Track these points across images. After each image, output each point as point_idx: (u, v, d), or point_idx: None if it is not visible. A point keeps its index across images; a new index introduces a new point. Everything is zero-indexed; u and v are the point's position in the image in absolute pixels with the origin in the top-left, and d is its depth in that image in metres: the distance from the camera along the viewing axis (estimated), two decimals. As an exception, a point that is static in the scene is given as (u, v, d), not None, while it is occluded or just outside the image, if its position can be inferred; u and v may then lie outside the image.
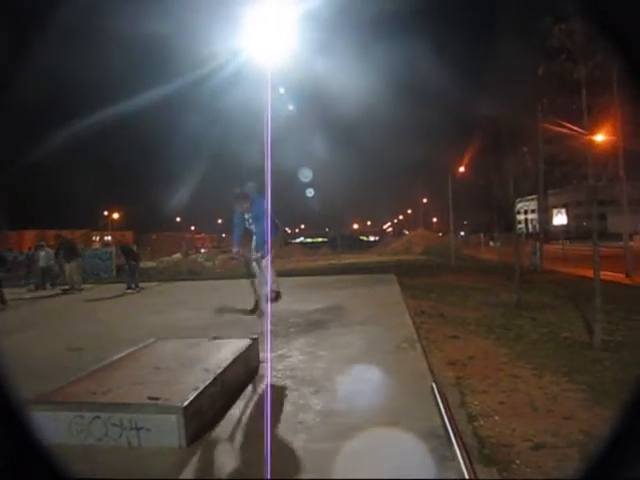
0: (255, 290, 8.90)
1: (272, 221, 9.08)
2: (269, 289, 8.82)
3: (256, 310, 9.12)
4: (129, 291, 19.01)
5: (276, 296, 9.19)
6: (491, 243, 36.52)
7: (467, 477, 3.65)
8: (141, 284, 19.87)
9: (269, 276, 8.60)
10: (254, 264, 9.05)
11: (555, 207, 42.03)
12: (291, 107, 25.19)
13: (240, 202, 9.24)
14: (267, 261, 8.52)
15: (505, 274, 16.66)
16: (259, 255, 9.04)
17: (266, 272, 8.57)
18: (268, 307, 9.27)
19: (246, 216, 9.16)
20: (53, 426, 4.88)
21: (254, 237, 9.08)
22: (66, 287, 20.09)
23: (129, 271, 19.81)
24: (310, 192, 26.99)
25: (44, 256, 21.29)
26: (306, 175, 26.37)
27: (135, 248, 22.22)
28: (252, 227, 9.02)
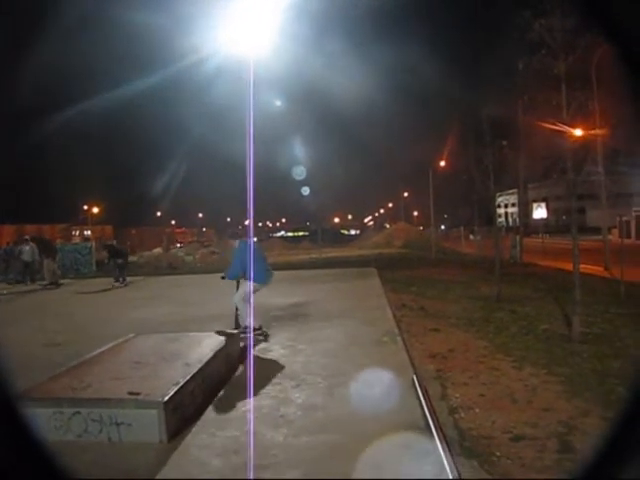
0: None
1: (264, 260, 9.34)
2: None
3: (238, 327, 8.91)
4: (117, 284, 19.02)
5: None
6: (471, 237, 36.71)
7: (448, 469, 3.66)
8: (128, 278, 19.84)
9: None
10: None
11: (535, 201, 42.24)
12: (279, 103, 25.13)
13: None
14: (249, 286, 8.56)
15: (485, 267, 16.79)
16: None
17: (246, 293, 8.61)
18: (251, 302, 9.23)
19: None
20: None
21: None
22: (45, 282, 19.93)
23: (117, 267, 19.85)
24: (305, 190, 26.92)
25: (28, 251, 21.00)
26: (298, 173, 26.34)
27: (115, 243, 22.14)
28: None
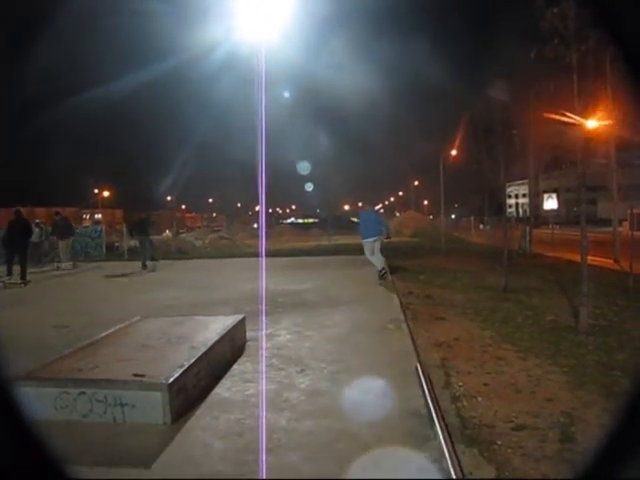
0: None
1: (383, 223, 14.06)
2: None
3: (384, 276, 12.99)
4: (146, 268, 18.49)
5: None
6: (481, 226, 36.60)
7: (447, 455, 3.69)
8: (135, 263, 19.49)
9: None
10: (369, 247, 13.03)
11: (546, 192, 41.94)
12: (287, 94, 25.10)
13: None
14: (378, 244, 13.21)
15: (494, 257, 16.71)
16: (373, 240, 13.04)
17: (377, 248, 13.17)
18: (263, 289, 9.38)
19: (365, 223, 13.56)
20: (38, 402, 4.89)
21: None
22: (59, 264, 19.94)
23: (147, 247, 19.25)
24: (309, 186, 26.88)
25: (37, 232, 21.07)
26: (303, 167, 26.26)
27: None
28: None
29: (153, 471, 3.85)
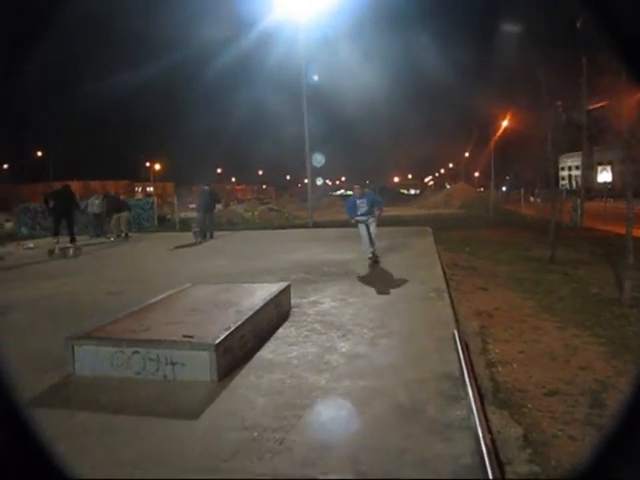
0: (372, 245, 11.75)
1: (379, 202, 12.12)
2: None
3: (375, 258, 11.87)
4: (202, 239, 18.81)
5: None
6: (532, 199, 35.96)
7: (476, 415, 3.86)
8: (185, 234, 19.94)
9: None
10: (364, 227, 11.70)
11: (600, 164, 40.93)
12: (315, 77, 25.07)
13: (357, 190, 12.06)
14: (374, 224, 11.73)
15: (542, 230, 16.54)
16: (369, 220, 11.65)
17: (373, 230, 11.71)
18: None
19: (358, 201, 11.73)
20: (96, 360, 5.28)
21: (363, 211, 11.70)
22: (120, 233, 20.54)
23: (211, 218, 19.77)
24: (320, 161, 26.61)
25: (98, 204, 21.64)
26: (318, 160, 26.01)
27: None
28: (363, 205, 11.70)
29: (200, 422, 4.16)
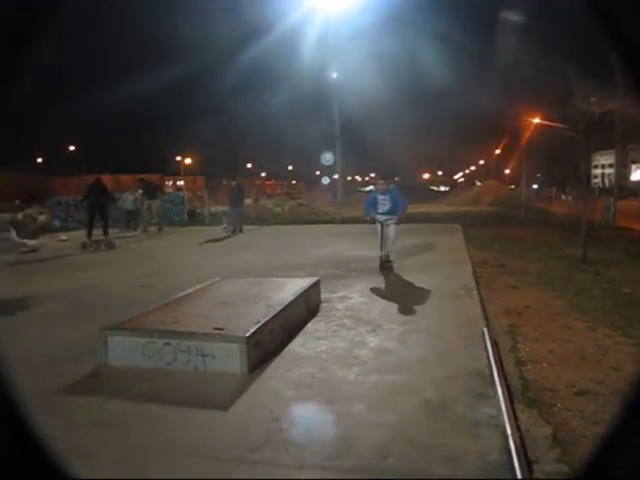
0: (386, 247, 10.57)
1: (403, 202, 10.74)
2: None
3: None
4: (231, 234, 19.18)
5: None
6: (563, 197, 35.56)
7: (505, 413, 3.87)
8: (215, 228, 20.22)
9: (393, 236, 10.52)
10: (381, 227, 10.51)
11: (635, 162, 40.22)
12: (335, 74, 25.03)
13: (382, 186, 10.86)
14: (393, 227, 10.47)
15: (574, 228, 16.33)
16: (388, 221, 10.46)
17: (392, 234, 10.46)
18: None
19: (381, 197, 10.57)
20: (128, 350, 5.38)
21: (385, 209, 10.54)
22: (146, 226, 20.95)
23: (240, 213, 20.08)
24: (329, 161, 26.47)
25: (131, 200, 22.00)
26: (327, 159, 25.86)
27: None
28: (386, 203, 10.52)
29: (230, 413, 4.22)
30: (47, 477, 1.55)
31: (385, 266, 10.49)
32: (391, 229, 10.49)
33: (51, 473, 1.57)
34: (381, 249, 10.54)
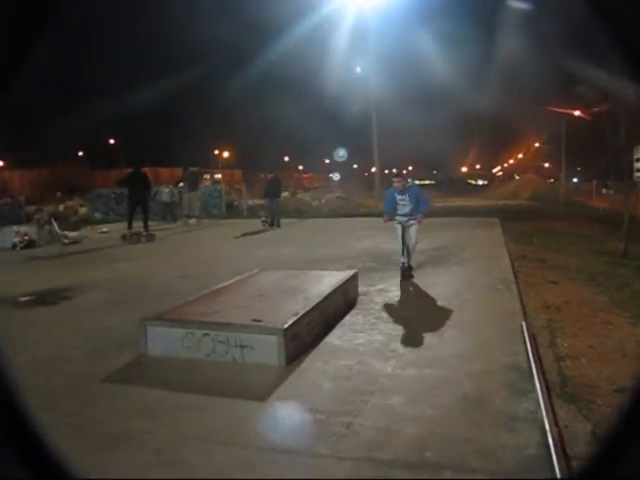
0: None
1: (425, 200, 9.58)
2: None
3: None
4: (270, 227, 19.05)
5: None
6: (604, 191, 34.90)
7: (544, 408, 3.85)
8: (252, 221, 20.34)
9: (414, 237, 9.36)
10: (401, 227, 9.33)
11: (680, 154, 39.00)
12: (359, 69, 25.00)
13: (399, 183, 9.51)
14: (415, 229, 9.35)
15: (615, 223, 16.04)
16: (409, 222, 9.33)
17: (413, 235, 9.33)
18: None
19: (399, 197, 9.40)
20: (167, 341, 5.49)
21: (405, 211, 9.41)
22: (187, 219, 21.23)
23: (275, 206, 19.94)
24: (342, 157, 26.34)
25: (167, 193, 22.53)
26: (340, 155, 25.70)
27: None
28: (405, 204, 9.40)
29: (267, 404, 4.29)
30: (50, 477, 1.56)
31: (406, 274, 9.16)
32: (412, 230, 9.34)
33: (52, 473, 1.58)
34: (402, 253, 9.27)
